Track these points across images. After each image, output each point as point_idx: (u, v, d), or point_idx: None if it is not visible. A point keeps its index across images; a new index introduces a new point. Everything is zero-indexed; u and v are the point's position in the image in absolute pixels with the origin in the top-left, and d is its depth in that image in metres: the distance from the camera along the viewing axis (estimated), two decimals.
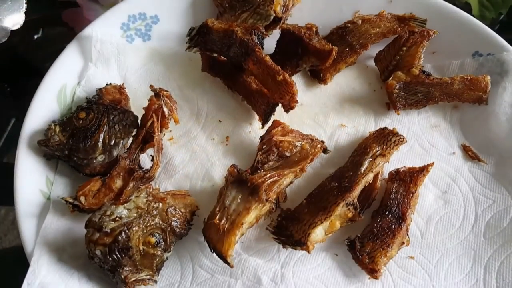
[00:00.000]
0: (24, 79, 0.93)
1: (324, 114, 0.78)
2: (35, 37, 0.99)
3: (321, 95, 0.80)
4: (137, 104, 0.75)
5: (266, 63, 0.72)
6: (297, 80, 0.81)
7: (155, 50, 0.81)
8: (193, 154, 0.74)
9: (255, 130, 0.76)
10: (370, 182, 0.68)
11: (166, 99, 0.67)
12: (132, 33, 0.80)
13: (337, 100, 0.80)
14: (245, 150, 0.74)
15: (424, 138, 0.76)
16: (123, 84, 0.76)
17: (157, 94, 0.67)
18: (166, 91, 0.69)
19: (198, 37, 0.77)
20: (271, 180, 0.66)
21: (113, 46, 0.77)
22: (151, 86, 0.69)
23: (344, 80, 0.81)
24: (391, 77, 0.76)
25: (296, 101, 0.71)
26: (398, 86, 0.75)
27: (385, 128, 0.74)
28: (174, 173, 0.72)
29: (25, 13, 0.77)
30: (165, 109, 0.67)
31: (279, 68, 0.72)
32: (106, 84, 0.74)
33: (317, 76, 0.81)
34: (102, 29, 0.76)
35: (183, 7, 0.81)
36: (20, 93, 0.96)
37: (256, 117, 0.77)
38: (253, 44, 0.73)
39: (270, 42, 0.79)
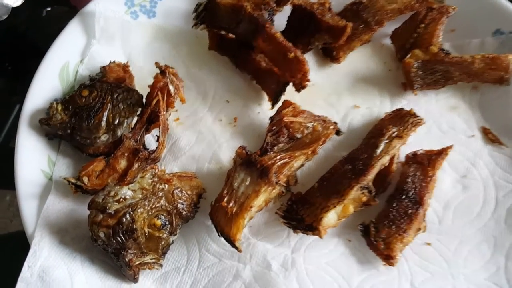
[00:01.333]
0: (27, 59, 0.91)
1: (337, 94, 0.76)
2: (39, 16, 0.97)
3: (334, 74, 0.78)
4: (142, 83, 0.72)
5: (276, 40, 0.70)
6: (309, 59, 0.78)
7: (160, 27, 0.78)
8: (200, 136, 0.71)
9: (264, 111, 0.74)
10: (386, 165, 0.65)
11: (172, 76, 0.65)
12: (137, 9, 0.77)
13: (351, 80, 0.77)
14: (254, 131, 0.72)
15: (442, 120, 0.74)
16: (127, 62, 0.73)
17: (163, 71, 0.65)
18: (172, 68, 0.66)
19: (205, 13, 0.74)
20: (281, 162, 0.63)
21: (117, 23, 0.75)
22: (156, 63, 0.66)
23: (358, 59, 0.79)
24: (409, 55, 0.73)
25: (308, 80, 0.69)
26: (416, 65, 0.73)
27: (402, 109, 0.71)
28: (180, 154, 0.70)
29: None
30: (171, 87, 0.65)
31: (291, 45, 0.69)
32: (110, 62, 0.72)
33: (329, 55, 0.78)
34: (106, 5, 0.74)
35: None
36: (23, 74, 0.94)
37: (266, 97, 0.74)
38: (263, 20, 0.70)
39: (281, 19, 0.77)
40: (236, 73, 0.77)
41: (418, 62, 0.73)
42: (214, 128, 0.72)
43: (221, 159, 0.70)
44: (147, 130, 0.67)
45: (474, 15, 0.77)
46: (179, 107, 0.72)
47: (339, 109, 0.75)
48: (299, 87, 0.70)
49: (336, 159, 0.69)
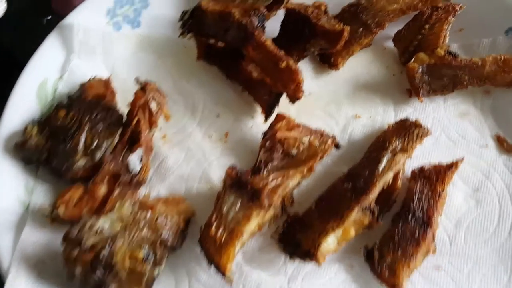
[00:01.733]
0: (7, 74, 0.86)
1: (336, 103, 0.71)
2: (21, 27, 0.92)
3: (333, 82, 0.72)
4: (127, 96, 0.68)
5: (267, 48, 0.64)
6: (305, 66, 0.73)
7: (145, 37, 0.74)
8: (189, 153, 0.67)
9: (257, 124, 0.69)
10: (390, 182, 0.60)
11: (153, 93, 0.60)
12: (119, 19, 0.73)
13: (351, 87, 0.72)
14: (246, 147, 0.67)
15: (452, 128, 0.68)
16: (110, 76, 0.69)
17: (143, 87, 0.60)
18: (153, 83, 0.62)
19: (191, 21, 0.70)
20: (274, 183, 0.58)
21: (98, 35, 0.70)
22: (136, 79, 0.62)
23: (359, 64, 0.73)
24: (413, 60, 0.68)
25: (302, 91, 0.64)
26: (420, 70, 0.67)
27: (406, 119, 0.65)
28: (168, 175, 0.65)
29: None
30: (152, 104, 0.61)
31: (282, 53, 0.64)
32: (90, 78, 0.67)
33: (327, 61, 0.73)
34: (85, 17, 0.69)
35: None
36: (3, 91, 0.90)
37: (259, 109, 0.69)
38: (252, 28, 0.65)
39: (274, 25, 0.72)
40: (227, 84, 0.72)
41: (423, 67, 0.67)
42: (203, 144, 0.67)
43: (211, 178, 0.65)
44: (131, 150, 0.62)
45: (484, 12, 0.71)
46: (166, 123, 0.68)
47: (339, 120, 0.69)
48: (293, 99, 0.65)
49: (336, 175, 0.63)
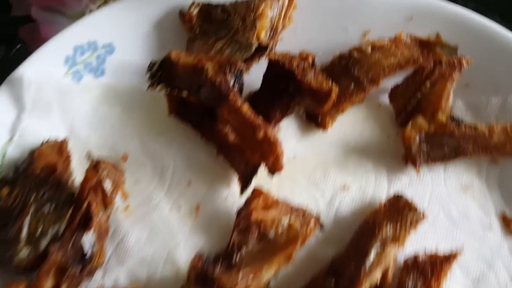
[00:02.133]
0: None
1: (322, 170, 0.63)
2: None
3: (320, 143, 0.64)
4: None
5: (242, 115, 0.57)
6: (289, 124, 0.65)
7: (110, 88, 0.66)
8: (153, 230, 0.59)
9: (234, 193, 0.61)
10: (379, 279, 0.52)
11: (107, 170, 0.53)
12: (80, 68, 0.64)
13: (340, 151, 0.64)
14: (220, 222, 0.60)
15: (452, 204, 0.60)
16: (66, 137, 0.61)
17: (95, 166, 0.52)
18: (106, 161, 0.54)
19: (161, 72, 0.62)
20: (245, 282, 0.51)
21: (53, 89, 0.62)
22: (87, 154, 0.54)
23: (350, 123, 0.65)
24: (409, 126, 0.60)
25: (281, 166, 0.56)
26: (418, 139, 0.59)
27: (400, 196, 0.58)
28: (128, 257, 0.58)
29: None
30: (106, 184, 0.53)
31: (260, 122, 0.56)
32: (43, 141, 0.59)
33: (314, 119, 0.65)
34: (40, 68, 0.61)
35: (145, 31, 0.66)
36: None
37: (236, 176, 0.62)
38: (226, 88, 0.57)
39: (257, 72, 0.63)
40: (201, 145, 0.64)
41: (421, 135, 0.59)
42: (171, 219, 0.60)
43: (177, 261, 0.58)
44: (83, 234, 0.54)
45: (494, 67, 0.63)
46: (130, 191, 0.60)
47: (325, 190, 0.62)
48: (272, 171, 0.58)
49: (320, 259, 0.56)
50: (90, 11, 0.79)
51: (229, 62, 0.59)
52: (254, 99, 0.64)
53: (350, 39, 0.66)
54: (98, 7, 0.80)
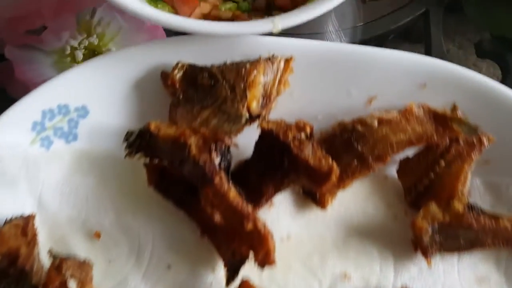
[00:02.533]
0: None
1: (320, 254, 0.56)
2: None
3: (318, 223, 0.58)
4: (57, 235, 0.55)
5: (229, 202, 0.50)
6: (283, 199, 0.58)
7: (83, 154, 0.59)
8: None
9: (219, 280, 0.55)
10: None
11: (72, 270, 0.46)
12: (50, 133, 0.58)
13: (340, 232, 0.57)
14: None
15: None
16: (32, 213, 0.54)
17: (58, 266, 0.46)
18: (70, 259, 0.47)
19: (140, 141, 0.55)
20: None
21: (19, 159, 0.55)
22: (49, 252, 0.47)
23: (352, 200, 0.58)
24: (421, 214, 0.52)
25: (273, 261, 0.49)
26: (431, 230, 0.51)
27: None
28: None
29: None
30: (71, 285, 0.46)
31: (249, 210, 0.50)
32: (5, 222, 0.53)
33: (311, 196, 0.58)
34: (3, 137, 0.55)
35: (123, 93, 0.58)
36: None
37: (221, 260, 0.55)
38: (211, 171, 0.50)
39: (248, 136, 0.56)
40: (183, 222, 0.57)
41: (434, 227, 0.51)
42: None
43: None
44: None
45: None
46: (102, 273, 0.54)
47: (322, 279, 0.55)
48: (262, 265, 0.51)
49: None
50: (71, 47, 0.73)
51: (215, 137, 0.52)
52: (244, 170, 0.57)
53: (354, 104, 0.58)
54: (79, 43, 0.74)
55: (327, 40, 0.73)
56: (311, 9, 0.52)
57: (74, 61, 0.74)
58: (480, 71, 0.74)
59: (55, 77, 0.56)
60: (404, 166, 0.56)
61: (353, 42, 0.79)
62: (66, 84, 0.56)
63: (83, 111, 0.58)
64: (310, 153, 0.53)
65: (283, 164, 0.55)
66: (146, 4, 0.58)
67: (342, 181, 0.56)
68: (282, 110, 0.59)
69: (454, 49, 0.87)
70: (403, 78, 0.57)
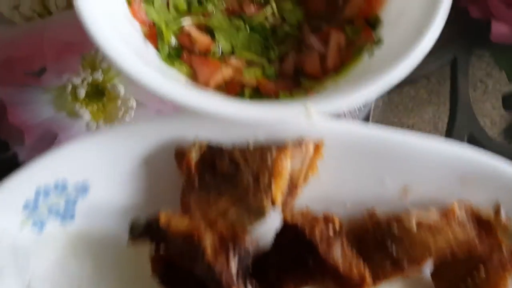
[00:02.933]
0: None
1: None
2: None
3: None
4: None
5: None
6: None
7: (79, 237, 0.52)
8: None
9: None
10: None
11: None
12: (43, 213, 0.51)
13: None
14: None
15: None
16: None
17: None
18: None
19: (147, 231, 0.49)
20: None
21: (6, 245, 0.48)
22: None
23: None
24: None
25: None
26: None
27: None
28: None
29: None
30: None
31: None
32: None
33: None
34: None
35: (130, 170, 0.52)
36: None
37: None
38: (228, 282, 0.44)
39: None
40: None
41: None
42: None
43: None
44: None
45: None
46: None
47: None
48: None
49: None
50: (72, 85, 0.66)
51: (233, 237, 0.46)
52: (261, 263, 0.51)
53: (387, 192, 0.53)
54: (83, 80, 0.66)
55: None
56: (352, 94, 0.46)
57: (75, 99, 0.67)
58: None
59: (52, 151, 0.49)
60: (440, 269, 0.51)
61: None
62: (65, 158, 0.50)
63: (83, 189, 0.51)
64: (339, 255, 0.48)
65: (307, 263, 0.49)
66: (160, 64, 0.51)
67: (372, 283, 0.50)
68: (308, 194, 0.53)
69: (480, 99, 0.82)
70: (441, 170, 0.51)
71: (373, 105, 0.80)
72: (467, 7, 0.73)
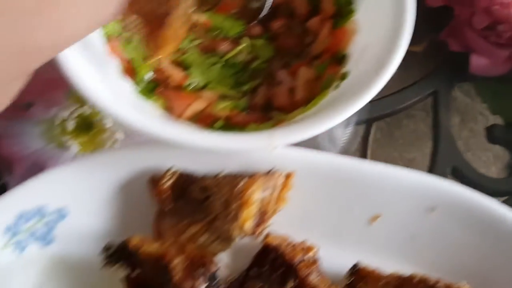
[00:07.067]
0: None
1: None
2: None
3: None
4: None
5: None
6: None
7: (59, 259, 0.56)
8: None
9: None
10: None
11: None
12: (24, 237, 0.55)
13: None
14: None
15: None
16: None
17: None
18: None
19: (119, 255, 0.52)
20: None
21: None
22: None
23: None
24: None
25: None
26: None
27: None
28: None
29: None
30: None
31: None
32: None
33: None
34: None
35: (107, 197, 0.56)
36: None
37: None
38: None
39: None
40: None
41: None
42: None
43: None
44: None
45: None
46: None
47: None
48: None
49: None
50: (62, 119, 0.71)
51: (202, 260, 0.49)
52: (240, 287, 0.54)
53: (356, 220, 0.56)
54: (71, 113, 0.71)
55: None
56: (315, 125, 0.50)
57: (64, 132, 0.72)
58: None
59: (32, 178, 0.53)
60: None
61: (358, 120, 0.78)
62: (45, 185, 0.54)
63: (62, 213, 0.56)
64: (317, 279, 0.51)
65: (285, 285, 0.52)
66: (136, 98, 0.56)
67: None
68: (278, 219, 0.56)
69: (463, 131, 0.85)
70: (410, 200, 0.55)
71: (371, 139, 0.84)
72: (446, 40, 0.77)
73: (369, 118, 0.79)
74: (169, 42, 0.48)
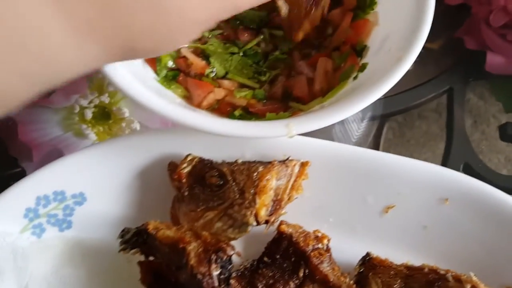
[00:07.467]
0: None
1: None
2: None
3: None
4: None
5: None
6: None
7: (76, 244, 0.58)
8: None
9: None
10: None
11: None
12: (43, 221, 0.57)
13: None
14: None
15: None
16: None
17: None
18: None
19: (136, 239, 0.53)
20: None
21: (6, 250, 0.54)
22: None
23: None
24: None
25: None
26: None
27: None
28: None
29: None
30: None
31: None
32: None
33: None
34: None
35: (124, 182, 0.57)
36: None
37: None
38: (209, 287, 0.48)
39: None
40: None
41: None
42: None
43: None
44: None
45: None
46: None
47: None
48: None
49: None
50: (80, 106, 0.72)
51: (216, 246, 0.50)
52: (251, 273, 0.55)
53: (369, 210, 0.57)
54: (90, 102, 0.73)
55: None
56: (331, 114, 0.50)
57: (82, 120, 0.73)
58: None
59: (52, 163, 0.55)
60: None
61: (373, 115, 0.78)
62: (64, 170, 0.55)
63: (80, 198, 0.57)
64: (329, 267, 0.52)
65: (296, 270, 0.53)
66: (157, 85, 0.57)
67: None
68: (293, 208, 0.57)
69: (476, 134, 0.85)
70: (424, 191, 0.55)
71: (382, 138, 0.84)
72: (463, 38, 0.77)
73: (383, 114, 0.79)
74: None
